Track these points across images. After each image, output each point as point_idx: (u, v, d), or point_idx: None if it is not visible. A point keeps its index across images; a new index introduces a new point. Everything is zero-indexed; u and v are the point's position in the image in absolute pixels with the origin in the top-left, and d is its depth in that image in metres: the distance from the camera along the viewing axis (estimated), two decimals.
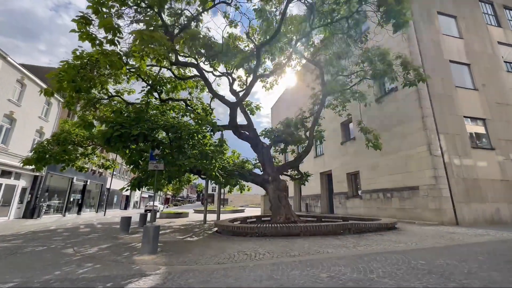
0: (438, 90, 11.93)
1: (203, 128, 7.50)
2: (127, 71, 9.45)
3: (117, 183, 30.98)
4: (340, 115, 14.42)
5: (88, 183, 22.64)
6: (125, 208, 35.81)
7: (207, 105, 12.45)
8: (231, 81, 13.11)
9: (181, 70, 11.14)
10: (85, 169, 14.12)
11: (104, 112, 7.63)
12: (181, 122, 7.38)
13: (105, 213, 21.94)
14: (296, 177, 14.80)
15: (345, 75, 11.79)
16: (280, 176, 11.27)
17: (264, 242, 6.63)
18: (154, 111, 7.26)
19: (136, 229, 10.42)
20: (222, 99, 9.64)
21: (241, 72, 12.87)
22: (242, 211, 27.18)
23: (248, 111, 12.68)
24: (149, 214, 14.82)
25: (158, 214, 17.91)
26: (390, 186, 12.78)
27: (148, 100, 8.14)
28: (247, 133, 11.32)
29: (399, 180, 12.27)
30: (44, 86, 17.01)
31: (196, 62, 9.84)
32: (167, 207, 53.77)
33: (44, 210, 16.38)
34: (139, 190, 9.15)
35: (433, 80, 11.59)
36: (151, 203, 42.61)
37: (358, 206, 15.17)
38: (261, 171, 13.06)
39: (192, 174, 11.79)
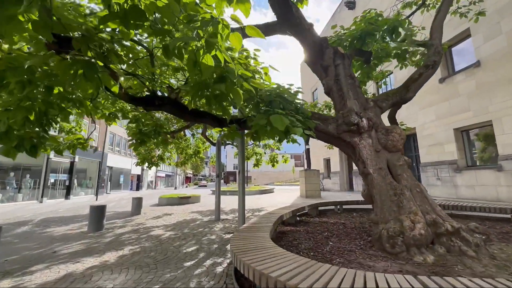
0: None
1: None
2: None
3: (121, 160, 26.61)
4: (465, 16, 7.46)
5: (75, 159, 17.85)
6: (137, 189, 31.71)
7: None
8: None
9: None
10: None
11: None
12: None
13: (97, 197, 17.27)
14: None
15: None
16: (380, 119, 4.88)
17: None
18: None
19: (84, 234, 4.86)
20: None
21: None
22: (271, 191, 20.53)
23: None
24: (130, 203, 9.41)
25: (157, 200, 12.61)
26: None
27: None
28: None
29: None
30: None
31: None
32: (186, 187, 50.34)
33: None
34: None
35: None
36: (203, 181, 43.56)
37: (489, 183, 8.47)
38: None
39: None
